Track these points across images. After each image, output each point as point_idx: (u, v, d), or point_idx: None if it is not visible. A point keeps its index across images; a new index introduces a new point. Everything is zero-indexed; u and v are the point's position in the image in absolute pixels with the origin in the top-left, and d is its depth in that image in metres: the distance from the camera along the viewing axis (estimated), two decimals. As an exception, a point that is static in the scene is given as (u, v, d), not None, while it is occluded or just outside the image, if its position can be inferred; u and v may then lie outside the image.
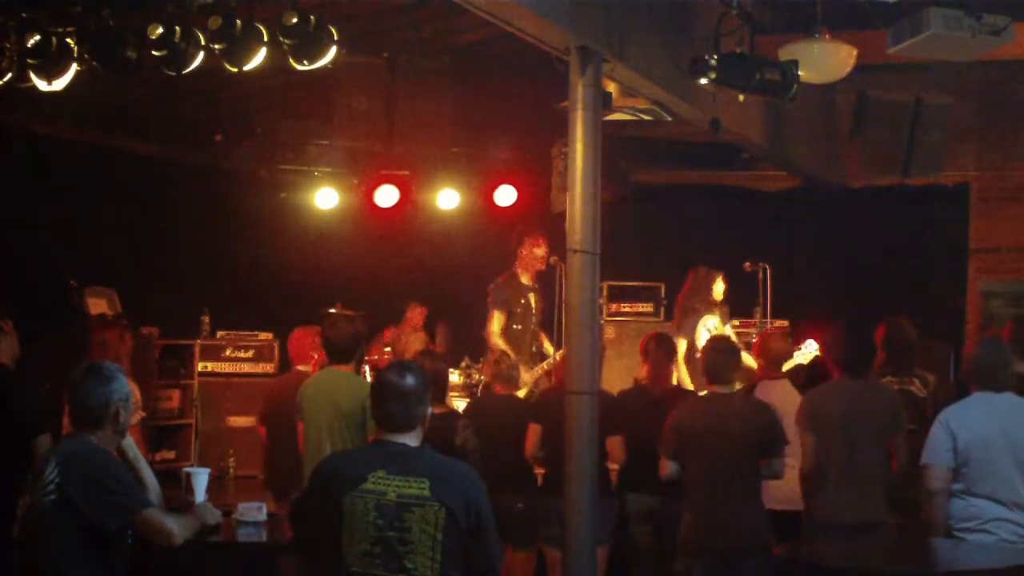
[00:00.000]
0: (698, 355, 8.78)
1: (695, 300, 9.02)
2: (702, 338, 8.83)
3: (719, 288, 9.00)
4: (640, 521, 6.79)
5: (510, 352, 8.04)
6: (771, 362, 7.13)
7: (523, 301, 9.16)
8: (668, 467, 6.09)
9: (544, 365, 9.00)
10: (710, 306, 9.01)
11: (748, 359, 8.07)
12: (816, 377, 7.06)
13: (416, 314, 10.58)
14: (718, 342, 6.68)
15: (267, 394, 7.58)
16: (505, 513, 6.29)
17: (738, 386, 8.27)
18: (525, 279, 9.18)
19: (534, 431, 6.61)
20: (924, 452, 5.41)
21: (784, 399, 6.59)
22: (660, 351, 7.14)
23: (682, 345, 8.93)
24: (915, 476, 6.05)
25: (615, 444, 6.54)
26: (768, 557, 5.90)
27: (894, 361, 6.68)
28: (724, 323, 9.09)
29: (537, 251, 9.06)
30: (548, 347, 9.17)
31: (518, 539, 6.54)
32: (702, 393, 6.89)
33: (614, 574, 6.78)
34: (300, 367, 7.31)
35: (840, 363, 6.17)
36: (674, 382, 8.49)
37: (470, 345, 9.62)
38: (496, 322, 9.03)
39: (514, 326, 9.09)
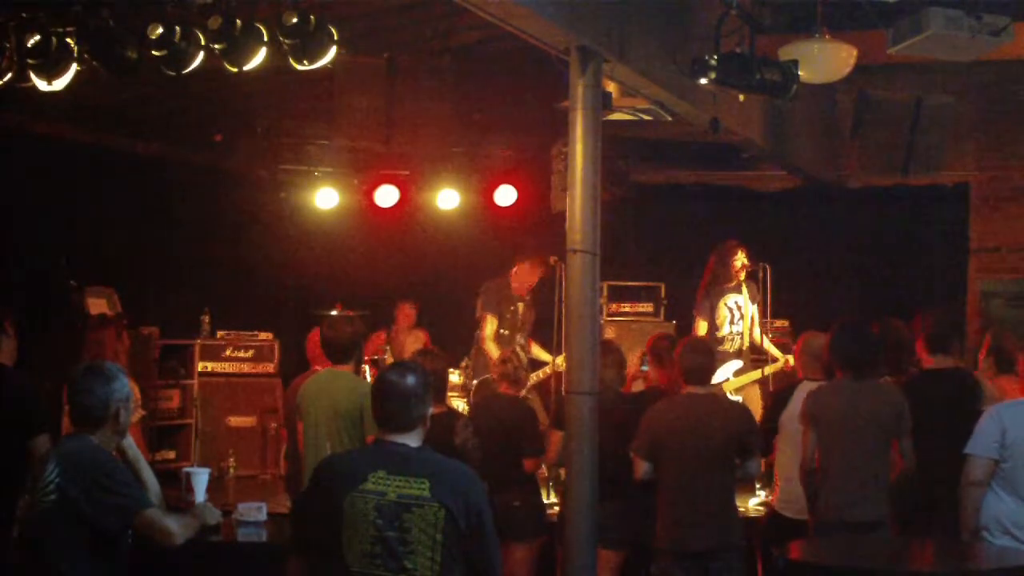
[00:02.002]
0: (718, 334, 8.86)
1: (717, 277, 9.08)
2: (724, 316, 8.89)
3: (739, 261, 9.03)
4: (653, 522, 6.80)
5: (519, 351, 8.07)
6: (808, 363, 7.15)
7: (512, 308, 9.22)
8: (641, 467, 6.10)
9: (540, 373, 9.01)
10: (733, 283, 9.06)
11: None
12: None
13: (405, 314, 10.54)
14: (694, 343, 6.68)
15: (287, 396, 7.58)
16: (505, 508, 6.34)
17: (760, 373, 8.42)
18: (515, 289, 9.24)
19: (556, 437, 6.61)
20: (970, 442, 5.42)
21: None
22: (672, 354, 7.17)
23: (702, 327, 8.98)
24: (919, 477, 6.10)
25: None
26: (740, 557, 5.92)
27: (890, 361, 6.69)
28: (752, 301, 9.12)
29: (531, 276, 9.12)
30: (539, 353, 9.18)
31: (517, 534, 6.54)
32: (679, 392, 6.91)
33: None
34: (318, 368, 7.31)
35: (842, 364, 6.17)
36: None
37: (468, 345, 9.64)
38: (489, 326, 9.10)
39: (502, 331, 9.12)
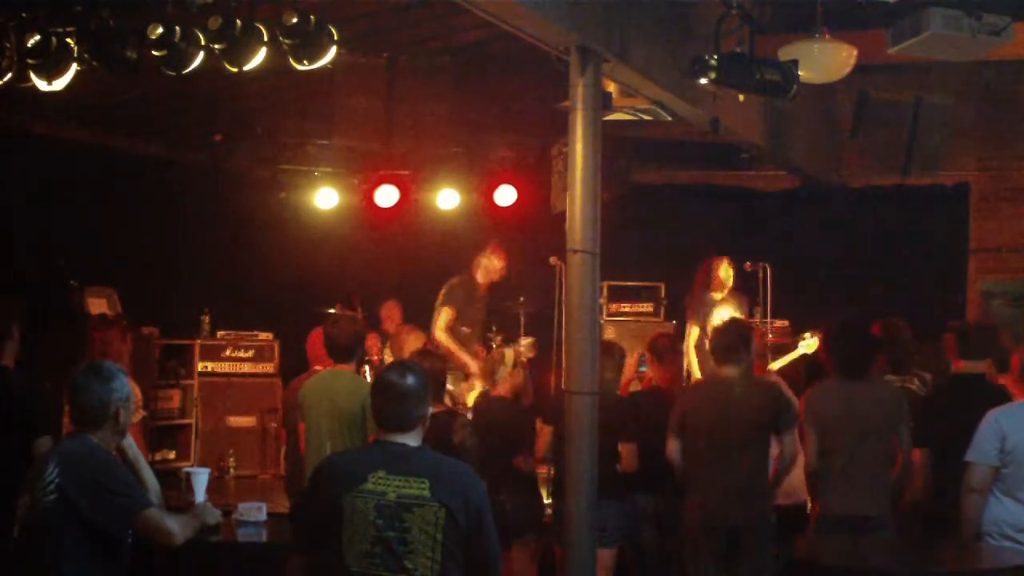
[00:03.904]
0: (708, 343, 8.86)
1: (705, 288, 9.08)
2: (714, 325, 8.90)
3: (724, 273, 9.03)
4: (646, 522, 6.81)
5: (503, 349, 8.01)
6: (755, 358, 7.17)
7: (476, 305, 9.15)
8: (673, 446, 6.18)
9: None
10: (720, 295, 9.05)
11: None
12: (816, 372, 7.09)
13: (390, 314, 10.44)
14: (726, 324, 6.68)
15: (285, 397, 7.58)
16: (499, 508, 6.34)
17: None
18: (480, 283, 9.16)
19: (545, 433, 6.61)
20: (970, 449, 5.41)
21: None
22: (676, 354, 7.18)
23: (694, 333, 8.98)
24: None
25: (629, 452, 6.54)
26: (769, 534, 5.95)
27: (892, 360, 6.70)
28: (740, 312, 9.12)
29: (495, 262, 9.06)
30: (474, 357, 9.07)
31: (515, 533, 6.56)
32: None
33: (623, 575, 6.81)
34: (318, 368, 7.32)
35: (834, 364, 6.18)
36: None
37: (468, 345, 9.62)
38: (443, 318, 8.95)
39: (463, 328, 9.05)
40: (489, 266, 9.13)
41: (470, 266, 9.20)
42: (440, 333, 8.91)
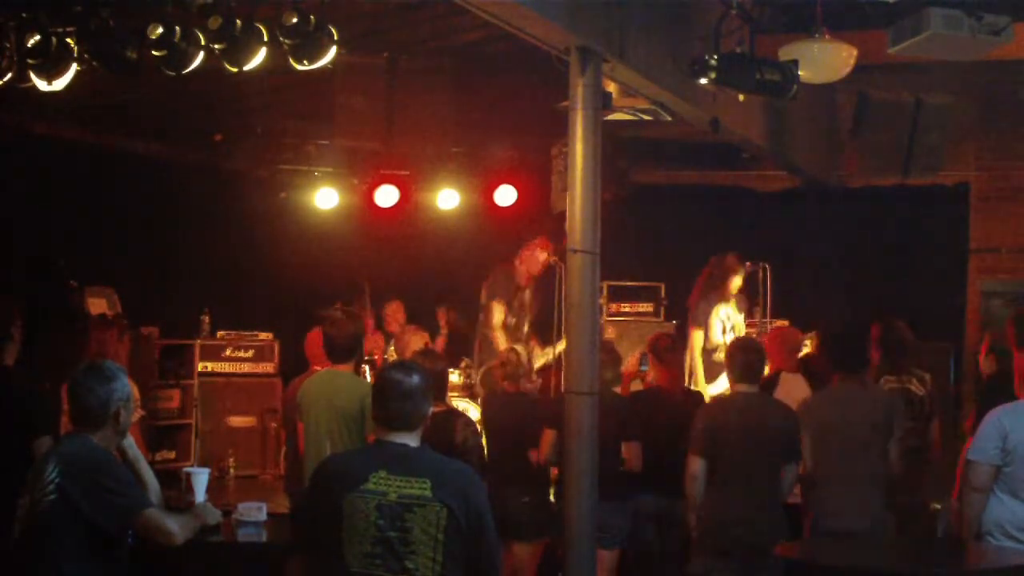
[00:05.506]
0: (708, 346, 8.85)
1: (711, 290, 9.06)
2: (715, 328, 8.89)
3: (736, 283, 9.03)
4: (647, 522, 6.81)
5: (517, 348, 8.03)
6: (789, 354, 7.16)
7: (519, 295, 9.19)
8: (696, 464, 6.00)
9: (543, 358, 8.95)
10: (724, 296, 9.05)
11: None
12: (807, 374, 7.11)
13: (394, 314, 10.46)
14: (745, 342, 6.65)
15: (285, 397, 7.58)
16: (516, 507, 6.34)
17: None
18: (521, 276, 9.20)
19: (549, 436, 6.59)
20: (971, 447, 5.42)
21: (803, 393, 6.66)
22: (677, 353, 7.17)
23: (699, 337, 8.97)
24: (906, 479, 6.10)
25: (633, 451, 6.53)
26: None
27: (892, 360, 6.70)
28: (740, 311, 9.11)
29: (540, 254, 9.07)
30: (536, 349, 9.12)
31: (526, 533, 6.55)
32: (726, 392, 6.90)
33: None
34: (317, 368, 7.32)
35: (834, 363, 6.17)
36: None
37: (469, 344, 9.63)
38: (497, 315, 9.04)
39: (509, 319, 9.09)
40: (531, 259, 9.14)
41: (513, 257, 9.24)
42: (497, 332, 8.96)
